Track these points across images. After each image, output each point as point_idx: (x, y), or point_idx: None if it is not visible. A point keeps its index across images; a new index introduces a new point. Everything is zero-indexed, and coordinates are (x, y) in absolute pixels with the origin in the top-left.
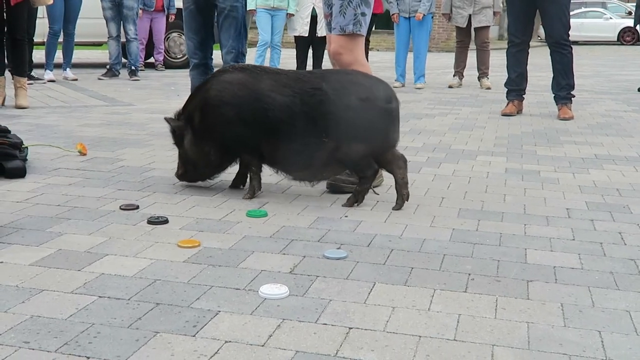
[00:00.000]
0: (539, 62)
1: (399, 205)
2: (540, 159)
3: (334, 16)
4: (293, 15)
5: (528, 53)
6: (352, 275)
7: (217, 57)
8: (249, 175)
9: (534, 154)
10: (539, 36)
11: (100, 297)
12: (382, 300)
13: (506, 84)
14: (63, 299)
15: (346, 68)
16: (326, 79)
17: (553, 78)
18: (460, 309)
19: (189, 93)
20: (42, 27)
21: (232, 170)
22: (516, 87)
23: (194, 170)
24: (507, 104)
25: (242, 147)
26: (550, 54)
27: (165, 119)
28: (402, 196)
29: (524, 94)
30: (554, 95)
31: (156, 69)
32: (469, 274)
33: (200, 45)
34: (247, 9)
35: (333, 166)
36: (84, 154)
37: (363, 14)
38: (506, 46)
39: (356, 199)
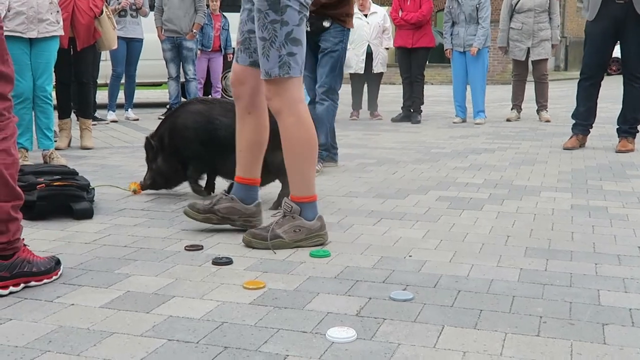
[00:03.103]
0: (603, 93)
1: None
2: (607, 194)
3: (260, 57)
4: None
5: (600, 86)
6: (419, 318)
7: None
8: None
9: (600, 189)
10: None
11: (169, 340)
12: (452, 344)
13: (573, 116)
14: (133, 341)
15: (277, 115)
16: None
17: (621, 110)
18: (533, 354)
19: None
20: (104, 69)
21: None
22: (584, 121)
23: (162, 181)
24: (570, 137)
25: (198, 161)
26: (623, 85)
27: (147, 137)
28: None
29: (591, 128)
30: (617, 127)
31: None
32: (541, 317)
33: (316, 83)
34: None
35: (265, 173)
36: (139, 193)
37: (291, 54)
38: (562, 77)
39: (280, 202)
